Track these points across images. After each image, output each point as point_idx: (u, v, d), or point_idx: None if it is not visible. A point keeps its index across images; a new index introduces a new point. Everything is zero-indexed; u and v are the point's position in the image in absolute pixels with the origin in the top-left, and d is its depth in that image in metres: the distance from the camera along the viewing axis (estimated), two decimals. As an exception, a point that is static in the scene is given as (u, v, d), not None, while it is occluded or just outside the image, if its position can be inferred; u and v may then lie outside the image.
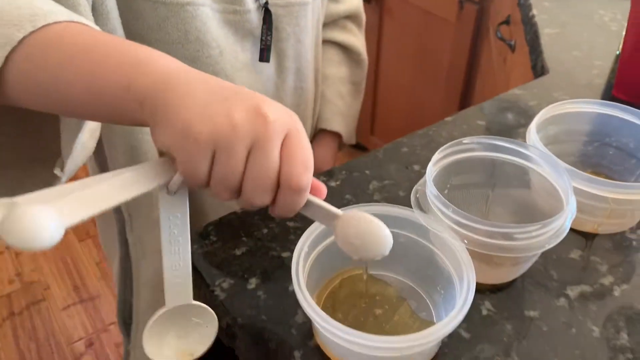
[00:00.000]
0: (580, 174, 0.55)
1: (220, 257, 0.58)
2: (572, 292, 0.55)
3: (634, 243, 0.60)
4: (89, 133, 0.49)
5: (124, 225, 0.73)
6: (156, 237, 0.45)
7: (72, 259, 1.95)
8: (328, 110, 0.90)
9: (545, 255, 0.58)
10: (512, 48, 1.16)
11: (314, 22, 0.78)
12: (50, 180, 0.51)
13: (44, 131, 0.51)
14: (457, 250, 0.49)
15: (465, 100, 1.70)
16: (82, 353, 1.68)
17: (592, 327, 0.52)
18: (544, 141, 0.64)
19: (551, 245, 0.50)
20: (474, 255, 0.51)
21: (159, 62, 0.39)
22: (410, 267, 0.55)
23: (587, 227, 0.60)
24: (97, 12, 0.56)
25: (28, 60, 0.40)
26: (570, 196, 0.51)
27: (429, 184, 0.52)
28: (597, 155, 0.67)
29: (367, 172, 0.69)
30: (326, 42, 0.90)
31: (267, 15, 0.68)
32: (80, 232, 2.00)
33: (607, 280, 0.56)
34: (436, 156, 0.55)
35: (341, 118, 0.91)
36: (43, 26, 0.40)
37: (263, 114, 0.36)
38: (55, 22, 0.41)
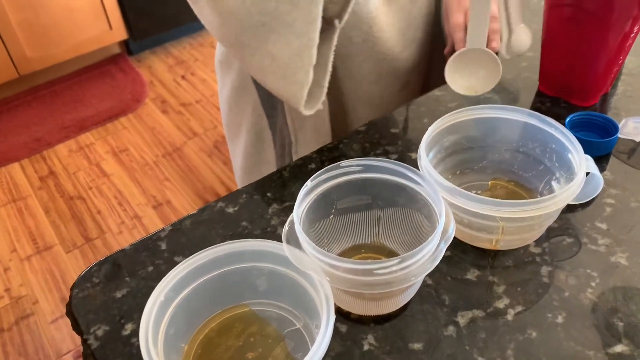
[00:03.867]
0: (462, 192, 0.51)
1: (100, 301, 0.56)
2: (463, 318, 0.52)
3: (537, 258, 0.56)
4: None
5: (289, 148, 0.86)
6: None
7: (59, 271, 1.96)
8: None
9: (439, 277, 0.55)
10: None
11: None
12: None
13: None
14: (323, 288, 0.46)
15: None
16: (70, 366, 1.70)
17: (478, 357, 0.49)
18: (442, 153, 0.61)
19: (418, 278, 0.47)
20: (345, 290, 0.48)
21: None
22: (290, 304, 0.53)
23: (487, 244, 0.57)
24: None
25: None
26: (441, 218, 0.47)
27: (295, 219, 0.49)
28: (506, 162, 0.63)
29: (268, 194, 0.66)
30: None
31: None
32: (67, 243, 2.01)
33: (502, 303, 0.53)
34: (309, 184, 0.52)
35: None
36: None
37: None
38: None
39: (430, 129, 0.58)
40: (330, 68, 0.66)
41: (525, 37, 0.74)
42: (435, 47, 0.93)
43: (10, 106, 2.44)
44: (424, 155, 0.55)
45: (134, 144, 2.27)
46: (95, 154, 2.24)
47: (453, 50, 0.86)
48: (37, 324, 1.83)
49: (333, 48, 0.66)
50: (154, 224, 1.97)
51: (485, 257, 0.57)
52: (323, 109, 0.82)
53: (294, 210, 0.49)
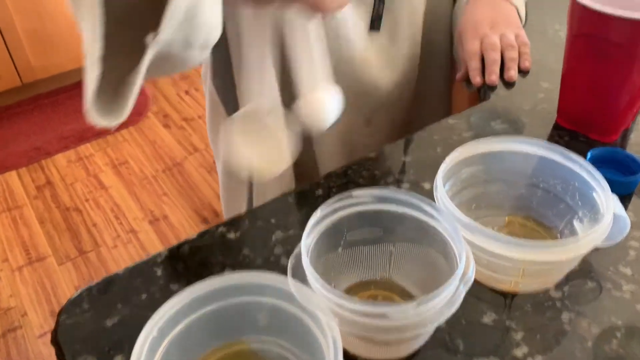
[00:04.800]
0: (482, 230, 0.48)
1: (88, 329, 0.52)
2: (478, 367, 0.48)
3: (557, 303, 0.53)
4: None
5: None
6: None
7: (50, 284, 1.91)
8: None
9: (453, 321, 0.51)
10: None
11: None
12: None
13: None
14: (331, 331, 0.43)
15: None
16: (53, 384, 1.64)
17: (495, 412, 0.45)
18: (458, 185, 0.58)
19: (435, 324, 0.43)
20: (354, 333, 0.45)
21: None
22: (293, 343, 0.49)
23: (504, 286, 0.53)
24: None
25: None
26: (461, 259, 0.44)
27: (303, 252, 0.45)
28: (524, 197, 0.59)
29: (272, 220, 0.62)
30: None
31: None
32: (60, 255, 1.96)
33: (520, 351, 0.49)
34: (319, 213, 0.49)
35: None
36: None
37: None
38: None
39: (447, 159, 0.54)
40: (136, 91, 0.46)
41: (328, 104, 0.48)
42: (418, 90, 0.89)
43: (11, 114, 2.42)
44: (441, 186, 0.52)
45: (134, 157, 2.24)
46: (94, 166, 2.21)
47: (467, 78, 0.83)
48: (24, 337, 1.78)
49: (142, 69, 0.45)
50: (150, 239, 1.93)
51: (503, 300, 0.53)
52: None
53: (302, 241, 0.46)
